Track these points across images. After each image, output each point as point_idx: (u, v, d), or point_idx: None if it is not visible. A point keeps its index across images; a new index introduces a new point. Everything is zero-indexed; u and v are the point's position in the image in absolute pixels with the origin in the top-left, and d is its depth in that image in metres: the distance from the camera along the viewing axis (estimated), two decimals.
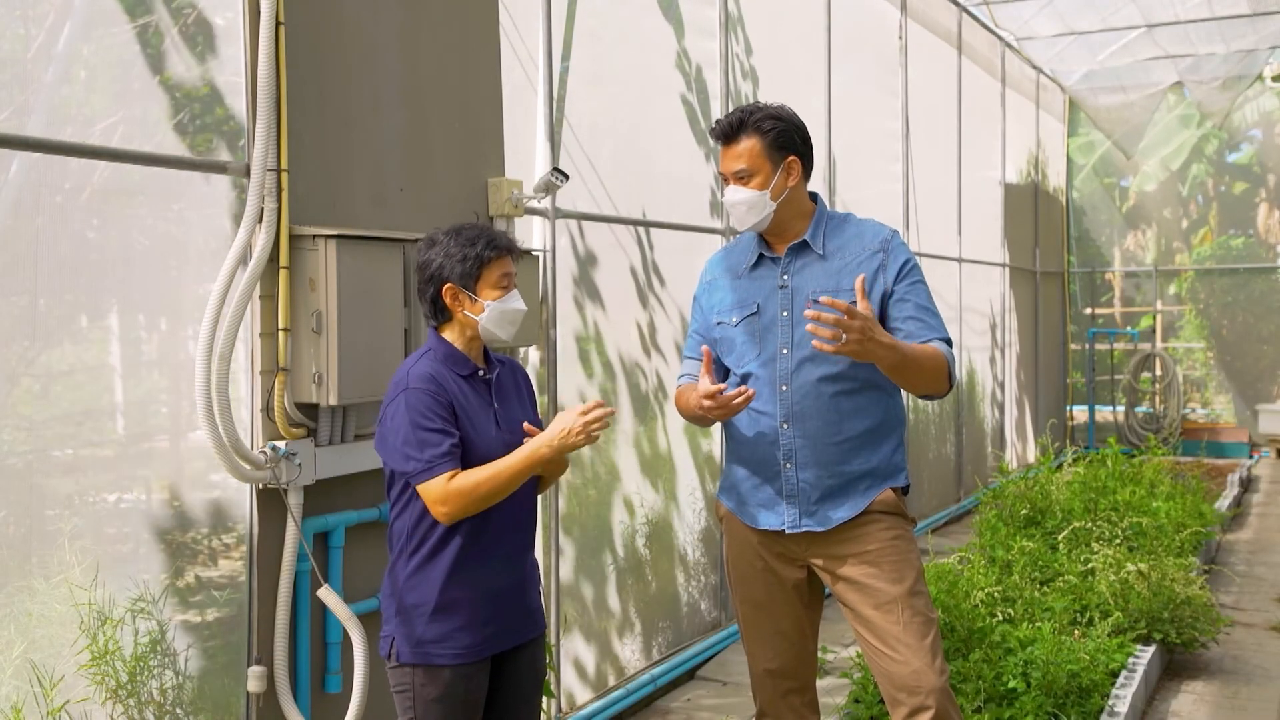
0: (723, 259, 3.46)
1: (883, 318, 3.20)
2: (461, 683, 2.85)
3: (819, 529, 3.23)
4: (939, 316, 3.26)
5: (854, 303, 3.08)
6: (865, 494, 3.22)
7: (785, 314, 3.24)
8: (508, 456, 2.81)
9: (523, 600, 3.00)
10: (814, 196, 3.36)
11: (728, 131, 3.23)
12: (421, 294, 2.94)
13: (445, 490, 2.75)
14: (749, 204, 3.21)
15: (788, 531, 3.25)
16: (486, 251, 2.89)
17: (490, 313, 2.89)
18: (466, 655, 2.85)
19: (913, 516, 3.35)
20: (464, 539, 2.85)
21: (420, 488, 2.79)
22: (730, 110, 3.27)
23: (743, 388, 3.10)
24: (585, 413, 2.80)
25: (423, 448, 2.76)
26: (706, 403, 3.09)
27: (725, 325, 3.33)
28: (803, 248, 3.27)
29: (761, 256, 3.32)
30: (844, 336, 2.90)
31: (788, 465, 3.23)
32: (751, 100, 6.58)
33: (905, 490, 3.33)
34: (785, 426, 3.21)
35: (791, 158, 3.24)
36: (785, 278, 3.27)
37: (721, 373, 3.34)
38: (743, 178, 3.21)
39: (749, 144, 3.21)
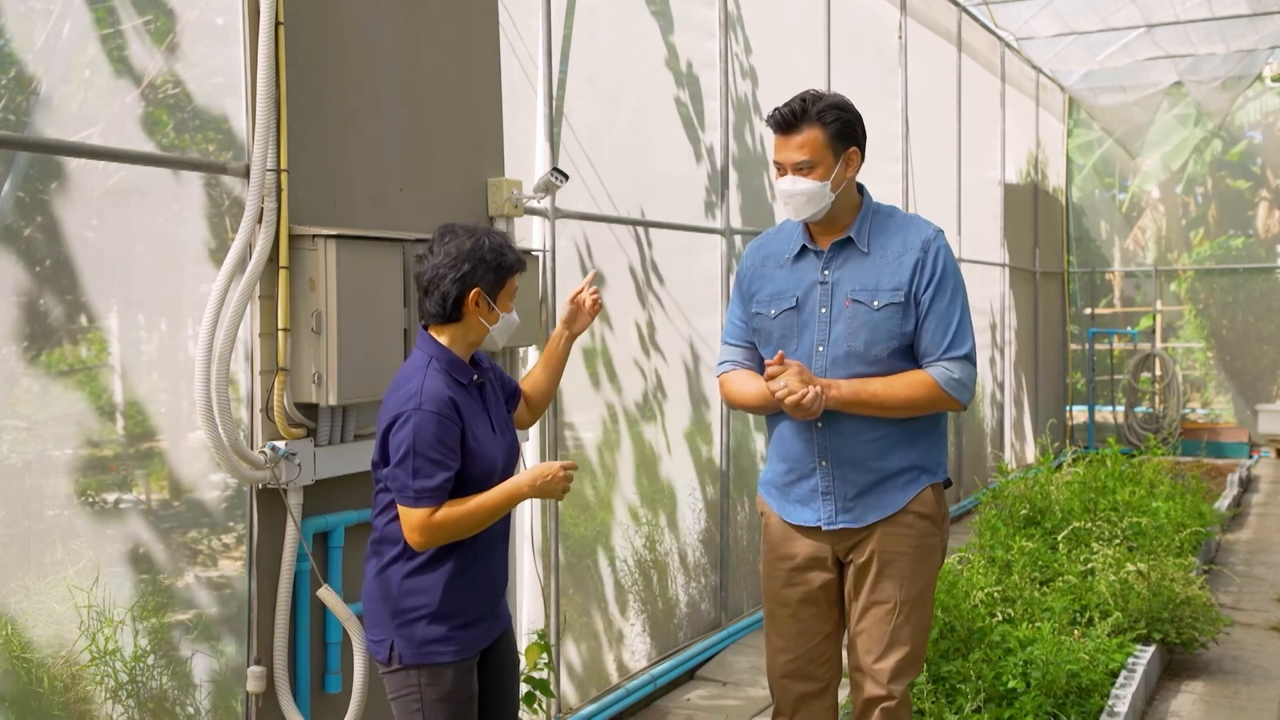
0: (765, 245, 3.40)
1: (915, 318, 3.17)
2: (463, 678, 2.88)
3: (855, 525, 3.22)
4: (964, 327, 3.18)
5: (889, 305, 3.12)
6: (904, 490, 3.21)
7: (824, 310, 3.20)
8: (489, 494, 2.81)
9: (503, 593, 3.06)
10: (860, 188, 3.30)
11: (789, 120, 3.14)
12: (438, 292, 2.87)
13: (425, 523, 2.76)
14: (809, 195, 3.14)
15: (825, 529, 3.25)
16: (517, 264, 2.94)
17: (502, 323, 2.94)
18: (466, 650, 2.88)
19: (946, 513, 3.32)
20: (468, 541, 2.87)
21: (400, 510, 2.80)
22: (789, 99, 3.16)
23: (781, 354, 3.08)
24: (565, 467, 2.85)
25: (416, 475, 2.76)
26: (774, 385, 3.04)
27: (763, 316, 3.29)
28: (846, 243, 3.23)
29: (804, 248, 3.27)
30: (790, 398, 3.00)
31: (824, 463, 3.22)
32: (750, 100, 6.58)
33: (946, 484, 3.31)
34: (820, 424, 3.19)
35: (853, 149, 3.19)
36: (826, 273, 3.22)
37: (758, 364, 3.33)
38: (804, 169, 3.13)
39: (811, 135, 3.13)
